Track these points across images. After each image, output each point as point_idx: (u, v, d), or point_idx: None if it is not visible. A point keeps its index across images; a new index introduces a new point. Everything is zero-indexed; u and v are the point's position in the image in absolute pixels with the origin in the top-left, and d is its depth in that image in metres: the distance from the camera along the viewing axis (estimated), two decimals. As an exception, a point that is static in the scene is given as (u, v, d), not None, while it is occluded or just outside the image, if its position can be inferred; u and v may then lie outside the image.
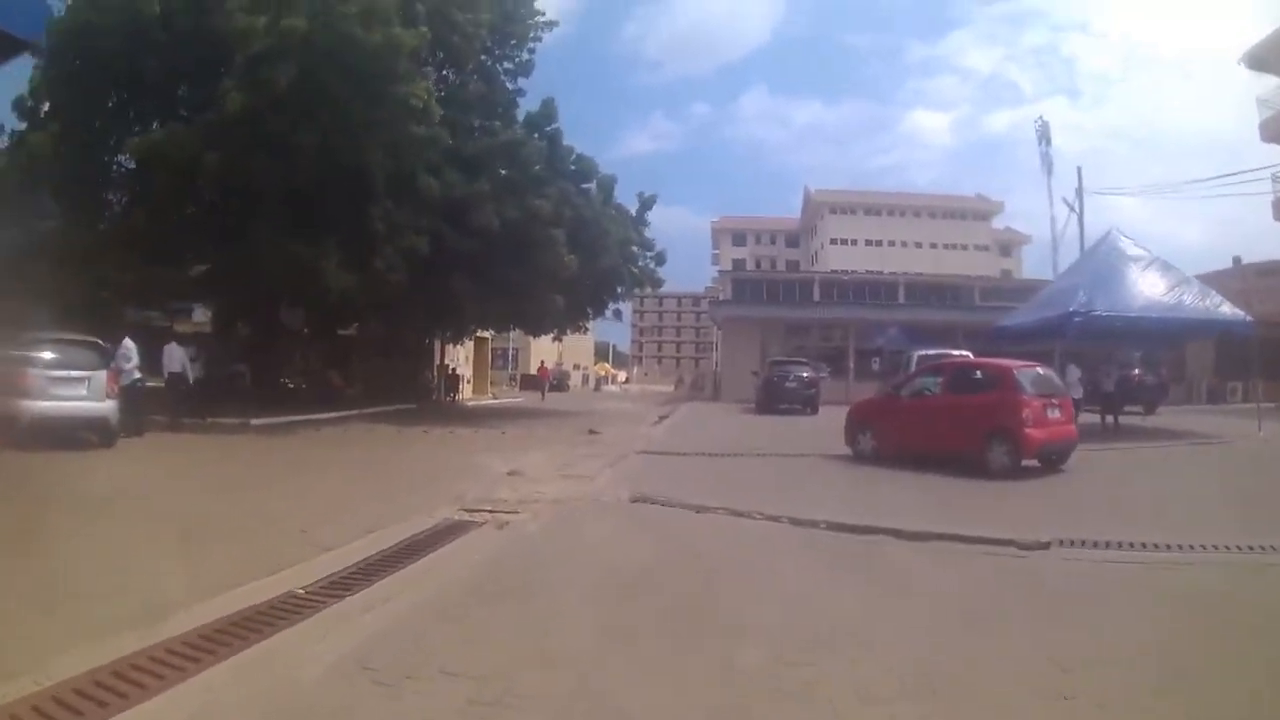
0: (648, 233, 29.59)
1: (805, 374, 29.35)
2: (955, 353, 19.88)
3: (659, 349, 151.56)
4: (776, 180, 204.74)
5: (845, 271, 56.48)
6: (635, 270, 29.38)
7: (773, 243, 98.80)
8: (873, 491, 11.25)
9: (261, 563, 6.37)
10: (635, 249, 29.02)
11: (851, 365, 39.97)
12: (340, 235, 20.40)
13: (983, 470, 12.25)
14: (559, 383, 61.05)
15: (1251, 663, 4.63)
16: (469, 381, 41.99)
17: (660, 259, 30.55)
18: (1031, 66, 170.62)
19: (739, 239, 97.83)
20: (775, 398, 28.76)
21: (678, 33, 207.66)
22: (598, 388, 72.83)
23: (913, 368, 19.69)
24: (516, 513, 9.11)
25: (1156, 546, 7.70)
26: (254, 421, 18.66)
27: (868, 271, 59.28)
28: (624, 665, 4.46)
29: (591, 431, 20.37)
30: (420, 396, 31.50)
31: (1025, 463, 12.39)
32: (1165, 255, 20.33)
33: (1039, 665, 4.48)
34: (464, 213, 22.57)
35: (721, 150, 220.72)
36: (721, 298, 52.94)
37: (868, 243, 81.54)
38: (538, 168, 24.64)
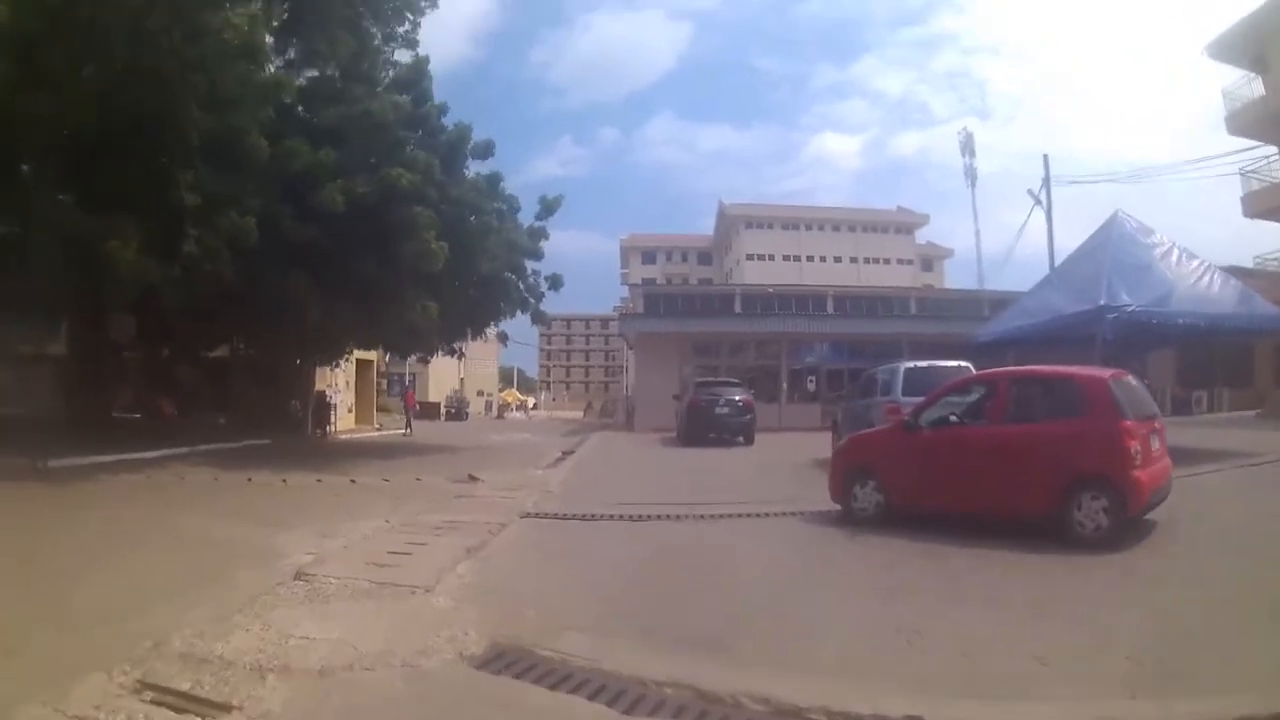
0: (545, 245, 24.14)
1: (738, 397, 24.48)
2: (949, 363, 15.25)
3: (567, 374, 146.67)
4: (687, 204, 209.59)
5: (768, 285, 52.05)
6: (522, 287, 24.00)
7: (684, 260, 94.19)
8: (938, 606, 6.15)
9: None
10: (527, 261, 23.75)
11: (785, 385, 35.15)
12: (139, 209, 15.38)
13: (1064, 536, 7.74)
14: (457, 410, 55.38)
15: None
16: (350, 410, 36.25)
17: (556, 282, 24.66)
18: (943, 89, 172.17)
19: (649, 257, 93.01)
20: (703, 426, 23.83)
21: (584, 59, 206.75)
22: (500, 415, 66.96)
23: (898, 384, 14.90)
24: (230, 710, 4.03)
25: None
26: (52, 464, 14.40)
27: (792, 284, 55.05)
28: None
29: (470, 478, 15.13)
30: (289, 428, 26.10)
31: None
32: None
33: None
34: (306, 190, 17.49)
35: (631, 175, 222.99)
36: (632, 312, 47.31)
37: (785, 258, 77.59)
38: (402, 132, 19.44)
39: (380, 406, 61.62)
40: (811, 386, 34.84)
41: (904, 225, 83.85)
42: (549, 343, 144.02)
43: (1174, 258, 16.06)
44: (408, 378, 68.02)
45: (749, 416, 24.04)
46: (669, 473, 16.83)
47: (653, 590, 6.82)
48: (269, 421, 25.21)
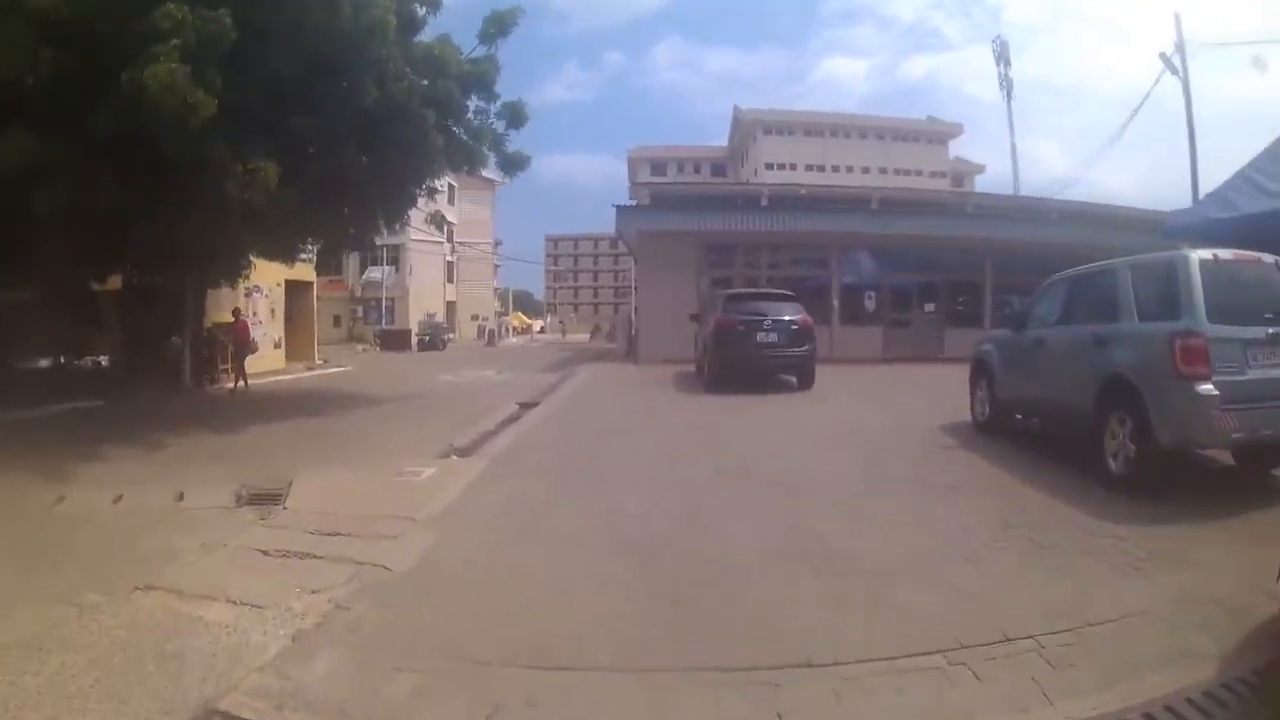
0: (499, 77, 15.13)
1: (789, 316, 16.02)
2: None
3: (575, 295, 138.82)
4: (697, 126, 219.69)
5: (799, 185, 43.18)
6: (463, 134, 15.10)
7: (696, 171, 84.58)
8: None
9: None
10: (473, 98, 14.95)
11: (836, 304, 26.55)
12: None
13: None
14: (432, 339, 46.73)
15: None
16: (278, 345, 27.31)
17: (516, 116, 15.45)
18: (957, 14, 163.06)
19: (659, 168, 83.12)
20: (740, 361, 15.71)
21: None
22: (491, 342, 57.94)
23: (1194, 295, 6.24)
24: None
25: None
26: None
27: (826, 185, 46.26)
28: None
29: (273, 498, 7.32)
30: (167, 374, 18.72)
31: None
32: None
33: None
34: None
35: (639, 98, 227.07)
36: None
37: (808, 167, 68.59)
38: None
39: (357, 336, 53.15)
40: (870, 305, 26.68)
41: (936, 135, 76.31)
42: (555, 263, 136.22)
43: None
44: (385, 303, 58.55)
45: (807, 346, 15.88)
46: (683, 469, 8.64)
47: None
48: (156, 365, 19.01)
